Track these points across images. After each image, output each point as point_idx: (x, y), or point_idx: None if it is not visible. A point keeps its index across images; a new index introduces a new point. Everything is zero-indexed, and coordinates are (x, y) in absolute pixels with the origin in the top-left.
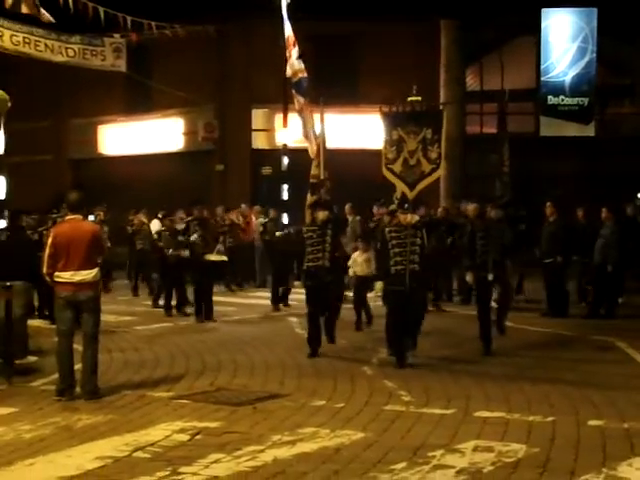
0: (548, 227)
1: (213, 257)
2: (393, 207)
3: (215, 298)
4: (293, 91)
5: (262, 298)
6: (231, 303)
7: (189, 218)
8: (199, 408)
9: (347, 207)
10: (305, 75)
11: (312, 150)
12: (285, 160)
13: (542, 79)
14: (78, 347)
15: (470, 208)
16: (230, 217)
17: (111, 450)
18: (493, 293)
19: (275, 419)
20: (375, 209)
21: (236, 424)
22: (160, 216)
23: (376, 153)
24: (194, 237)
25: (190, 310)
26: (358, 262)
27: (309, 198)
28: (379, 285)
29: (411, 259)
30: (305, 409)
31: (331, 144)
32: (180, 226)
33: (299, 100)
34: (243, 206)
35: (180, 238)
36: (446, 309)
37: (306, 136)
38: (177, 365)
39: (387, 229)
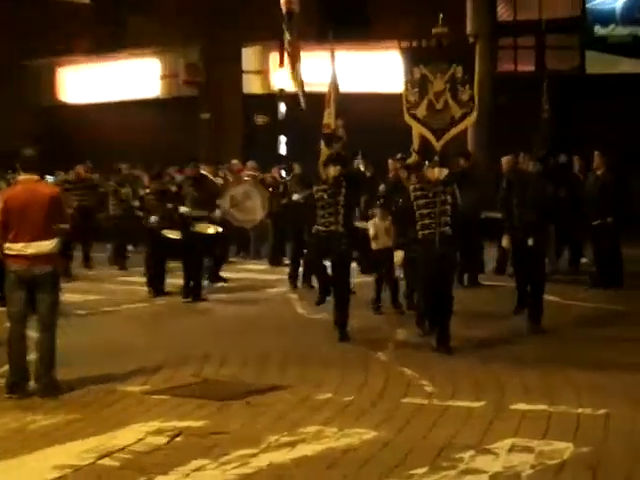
0: (596, 182)
1: (205, 228)
2: (411, 161)
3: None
4: (284, 26)
5: (256, 272)
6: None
7: (181, 178)
8: (180, 404)
9: (360, 160)
10: (293, 5)
11: (303, 100)
12: (283, 107)
13: (587, 6)
14: (34, 334)
15: (504, 160)
16: (219, 175)
17: (72, 457)
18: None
19: (272, 416)
20: (390, 163)
21: (225, 423)
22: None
23: (386, 96)
24: (184, 209)
25: (171, 289)
26: (376, 232)
27: (323, 151)
28: (398, 254)
29: (441, 221)
30: (308, 403)
31: (345, 88)
32: (173, 187)
33: (287, 37)
34: (234, 162)
35: (169, 205)
36: (481, 282)
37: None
38: (155, 353)
39: (412, 186)
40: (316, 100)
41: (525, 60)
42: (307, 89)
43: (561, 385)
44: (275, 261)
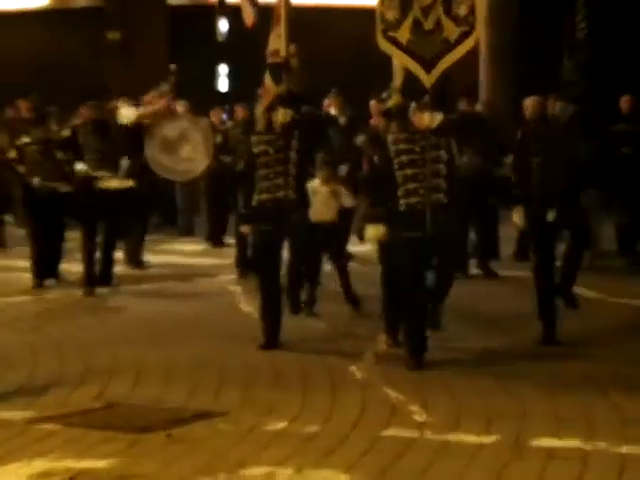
0: None
1: (114, 183)
2: (392, 103)
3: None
4: None
5: (188, 254)
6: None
7: (77, 121)
8: (77, 437)
9: (333, 100)
10: None
11: (249, 15)
12: (223, 25)
13: None
14: None
15: (527, 103)
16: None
17: None
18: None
19: (204, 453)
20: (373, 106)
21: (138, 463)
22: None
23: (367, 12)
24: (80, 167)
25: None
26: (316, 198)
27: (270, 89)
28: (375, 231)
29: (433, 185)
30: (254, 436)
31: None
32: (65, 132)
33: None
34: (164, 86)
35: (59, 155)
36: (498, 271)
37: None
38: (43, 366)
39: (391, 137)
40: (268, 16)
41: None
42: None
43: (601, 414)
44: (215, 239)
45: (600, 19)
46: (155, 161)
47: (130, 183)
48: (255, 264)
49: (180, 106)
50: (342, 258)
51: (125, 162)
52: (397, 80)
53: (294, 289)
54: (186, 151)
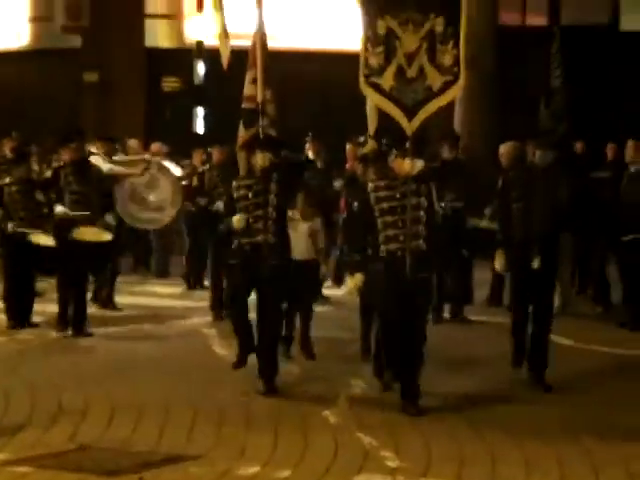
0: (630, 183)
1: (90, 235)
2: (368, 149)
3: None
4: None
5: (163, 296)
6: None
7: (59, 163)
8: (49, 479)
9: (308, 141)
10: None
11: (226, 56)
12: (201, 68)
13: None
14: None
15: (503, 150)
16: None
17: None
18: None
19: None
20: (349, 150)
21: None
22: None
23: (351, 57)
24: (59, 209)
25: (39, 319)
26: (296, 235)
27: (241, 134)
28: (355, 279)
29: (413, 232)
30: None
31: (276, 42)
32: (47, 173)
33: None
34: (132, 141)
35: (39, 197)
36: (469, 317)
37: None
38: (15, 407)
39: (371, 184)
40: (244, 59)
41: (537, 9)
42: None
43: (573, 459)
44: (193, 281)
45: (574, 67)
46: (123, 209)
47: (108, 237)
48: (228, 304)
49: (155, 147)
50: (312, 303)
51: (109, 217)
52: (371, 126)
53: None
54: (154, 199)
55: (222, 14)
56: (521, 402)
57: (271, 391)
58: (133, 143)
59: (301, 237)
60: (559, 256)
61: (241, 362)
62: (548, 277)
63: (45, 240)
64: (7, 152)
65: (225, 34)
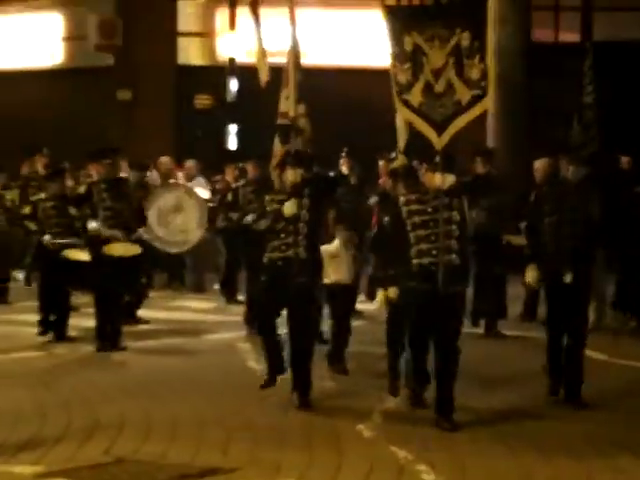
0: None
1: (120, 250)
2: (397, 164)
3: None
4: None
5: (197, 311)
6: (146, 318)
7: (93, 179)
8: None
9: (343, 160)
10: None
11: (264, 73)
12: (233, 85)
13: None
14: None
15: (538, 165)
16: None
17: None
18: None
19: None
20: (382, 166)
21: None
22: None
23: (383, 73)
24: (92, 226)
25: (75, 333)
26: (332, 260)
27: (277, 150)
28: (387, 294)
29: (446, 246)
30: None
31: (310, 60)
32: (81, 189)
33: None
34: (163, 160)
35: (72, 211)
36: (503, 332)
37: (261, 48)
38: (52, 421)
39: (402, 199)
40: (276, 76)
41: (569, 26)
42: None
43: (607, 477)
44: (229, 296)
45: (606, 83)
46: (153, 235)
47: (137, 250)
48: (257, 318)
49: (189, 164)
50: (349, 322)
51: (141, 232)
52: (401, 141)
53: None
54: (180, 221)
55: (260, 31)
56: (554, 419)
57: (305, 405)
58: (165, 160)
59: (342, 262)
60: (593, 271)
61: (270, 382)
62: (582, 292)
63: (79, 255)
64: (39, 168)
65: (263, 51)
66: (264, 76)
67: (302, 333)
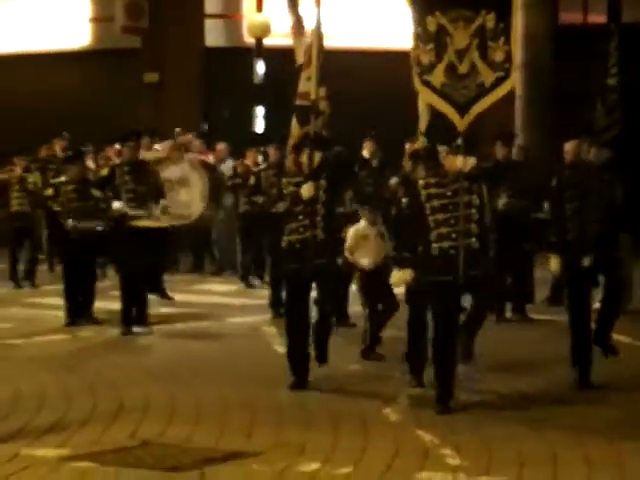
0: None
1: (147, 222)
2: (419, 146)
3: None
4: None
5: (221, 294)
6: (167, 301)
7: (116, 162)
8: (111, 475)
9: (367, 143)
10: None
11: (300, 54)
12: (260, 67)
13: None
14: None
15: (568, 148)
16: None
17: None
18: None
19: None
20: (408, 148)
21: None
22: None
23: (402, 55)
24: (116, 206)
25: (101, 315)
26: (363, 243)
27: (294, 131)
28: (403, 275)
29: (466, 230)
30: (288, 477)
31: (331, 42)
32: (103, 172)
33: None
34: (178, 131)
35: (96, 193)
36: (531, 316)
37: (297, 28)
38: (77, 405)
39: (422, 182)
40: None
41: (597, 7)
42: (288, 43)
43: (637, 457)
44: (248, 279)
45: (632, 65)
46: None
47: (164, 223)
48: (285, 304)
49: (220, 146)
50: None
51: (163, 202)
52: (422, 123)
53: (323, 336)
54: (184, 195)
55: (296, 10)
56: (581, 402)
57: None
58: (197, 143)
59: (372, 243)
60: (619, 259)
61: (299, 383)
62: (607, 276)
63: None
64: (58, 151)
65: (300, 29)
66: (300, 56)
67: (323, 313)
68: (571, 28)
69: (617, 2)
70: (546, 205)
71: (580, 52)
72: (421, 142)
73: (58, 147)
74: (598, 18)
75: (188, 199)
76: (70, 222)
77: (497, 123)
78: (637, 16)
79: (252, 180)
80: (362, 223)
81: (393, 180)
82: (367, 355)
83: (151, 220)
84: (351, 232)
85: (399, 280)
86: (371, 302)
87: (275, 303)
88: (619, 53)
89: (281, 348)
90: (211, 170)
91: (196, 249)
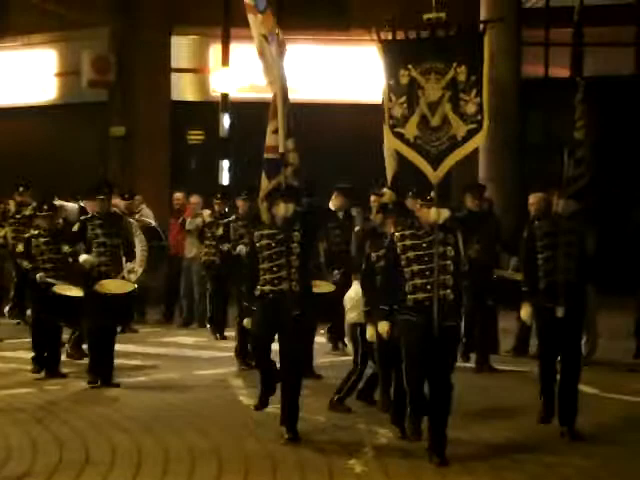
0: None
1: (113, 287)
2: (386, 199)
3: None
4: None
5: (186, 346)
6: (134, 353)
7: (87, 216)
8: None
9: (334, 194)
10: None
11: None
12: (226, 120)
13: None
14: None
15: (533, 200)
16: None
17: None
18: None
19: None
20: (373, 200)
21: None
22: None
23: (374, 108)
24: (84, 258)
25: (67, 369)
26: (355, 304)
27: (264, 185)
28: (381, 327)
29: (440, 281)
30: None
31: (299, 94)
32: (75, 226)
33: (255, 14)
34: (193, 198)
35: (65, 248)
36: (495, 366)
37: (270, 80)
38: (42, 457)
39: (397, 234)
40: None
41: (559, 61)
42: (254, 96)
43: None
44: (216, 330)
45: (598, 118)
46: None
47: (130, 287)
48: (254, 352)
49: (195, 199)
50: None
51: (134, 266)
52: (388, 174)
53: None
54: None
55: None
56: (546, 452)
57: (293, 439)
58: (178, 196)
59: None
60: (585, 305)
61: (263, 404)
62: (575, 326)
63: (70, 291)
64: (12, 207)
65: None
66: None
67: (293, 366)
68: (535, 80)
69: (579, 56)
70: (513, 261)
71: (543, 104)
72: (388, 195)
73: (12, 202)
74: (560, 71)
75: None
76: (40, 275)
77: (461, 173)
78: (599, 70)
79: (220, 230)
80: (354, 286)
81: (357, 228)
82: (335, 407)
83: (119, 281)
84: (353, 297)
85: (374, 334)
86: (385, 362)
87: (241, 353)
88: (584, 106)
89: (247, 400)
90: (153, 233)
91: (167, 300)
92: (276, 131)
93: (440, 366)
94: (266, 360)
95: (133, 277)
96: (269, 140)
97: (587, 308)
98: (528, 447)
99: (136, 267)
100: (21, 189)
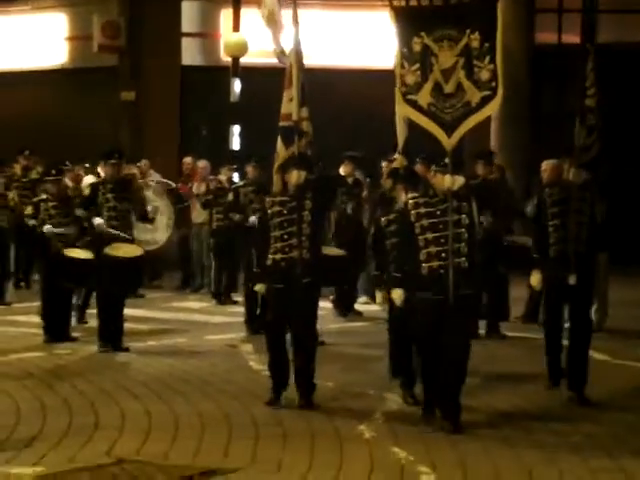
0: None
1: (122, 251)
2: (397, 164)
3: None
4: None
5: (199, 312)
6: (144, 318)
7: (98, 179)
8: None
9: (345, 163)
10: None
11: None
12: (237, 86)
13: None
14: None
15: (545, 167)
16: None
17: None
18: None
19: None
20: (385, 167)
21: None
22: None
23: (386, 74)
24: (98, 222)
25: (77, 334)
26: None
27: (280, 152)
28: (394, 294)
29: (455, 249)
30: None
31: (313, 60)
32: (86, 191)
33: None
34: (201, 163)
35: (79, 213)
36: (505, 333)
37: (280, 50)
38: (51, 422)
39: (410, 201)
40: (279, 77)
41: (572, 29)
42: (265, 61)
43: (609, 476)
44: (221, 297)
45: (608, 86)
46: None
47: (139, 251)
48: (265, 322)
49: (202, 163)
50: None
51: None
52: (400, 141)
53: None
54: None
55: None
56: (556, 419)
57: (308, 405)
58: (202, 164)
59: None
60: (596, 273)
61: (276, 400)
62: (584, 294)
63: (81, 254)
64: (18, 171)
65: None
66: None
67: (306, 331)
68: (547, 48)
69: (592, 23)
70: (515, 225)
71: (556, 72)
72: (399, 160)
73: (19, 166)
74: (573, 38)
75: (154, 224)
76: (47, 227)
77: (473, 142)
78: (611, 37)
79: (230, 197)
80: None
81: (364, 193)
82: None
83: (128, 245)
84: None
85: (385, 300)
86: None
87: (250, 320)
88: (595, 74)
89: (257, 365)
90: (175, 196)
91: (182, 267)
92: (292, 99)
93: (456, 335)
94: (279, 348)
95: (154, 247)
96: (285, 108)
97: (598, 276)
98: (537, 414)
99: (158, 237)
100: (26, 152)
